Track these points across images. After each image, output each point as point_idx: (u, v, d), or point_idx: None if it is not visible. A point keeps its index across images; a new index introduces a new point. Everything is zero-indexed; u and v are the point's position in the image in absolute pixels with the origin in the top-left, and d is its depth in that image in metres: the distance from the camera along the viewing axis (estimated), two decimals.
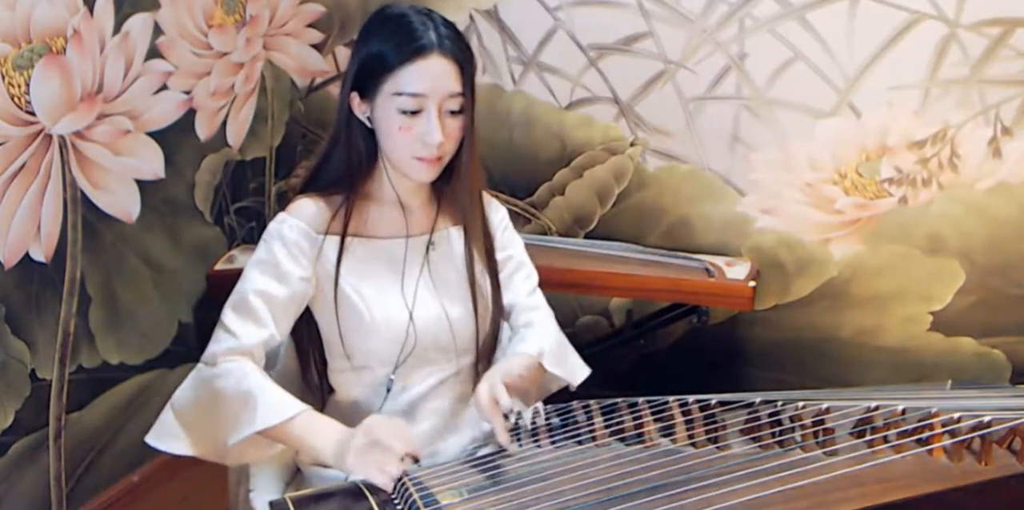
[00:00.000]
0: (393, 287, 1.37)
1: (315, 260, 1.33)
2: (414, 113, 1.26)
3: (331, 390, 1.45)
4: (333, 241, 1.34)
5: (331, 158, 1.36)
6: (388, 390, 1.39)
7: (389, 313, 1.36)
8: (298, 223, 1.32)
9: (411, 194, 1.39)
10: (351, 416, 1.39)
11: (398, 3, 1.33)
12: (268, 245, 1.32)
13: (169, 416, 1.29)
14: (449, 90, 1.26)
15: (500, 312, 1.45)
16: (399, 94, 1.25)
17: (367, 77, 1.28)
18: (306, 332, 1.41)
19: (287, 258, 1.31)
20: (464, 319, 1.41)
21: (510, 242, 1.50)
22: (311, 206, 1.34)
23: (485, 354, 1.45)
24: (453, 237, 1.43)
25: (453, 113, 1.28)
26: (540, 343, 1.40)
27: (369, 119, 1.31)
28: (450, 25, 1.29)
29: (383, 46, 1.26)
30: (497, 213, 1.50)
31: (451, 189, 1.39)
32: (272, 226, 1.34)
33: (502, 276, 1.47)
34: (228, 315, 1.30)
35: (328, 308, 1.36)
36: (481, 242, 1.43)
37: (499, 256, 1.47)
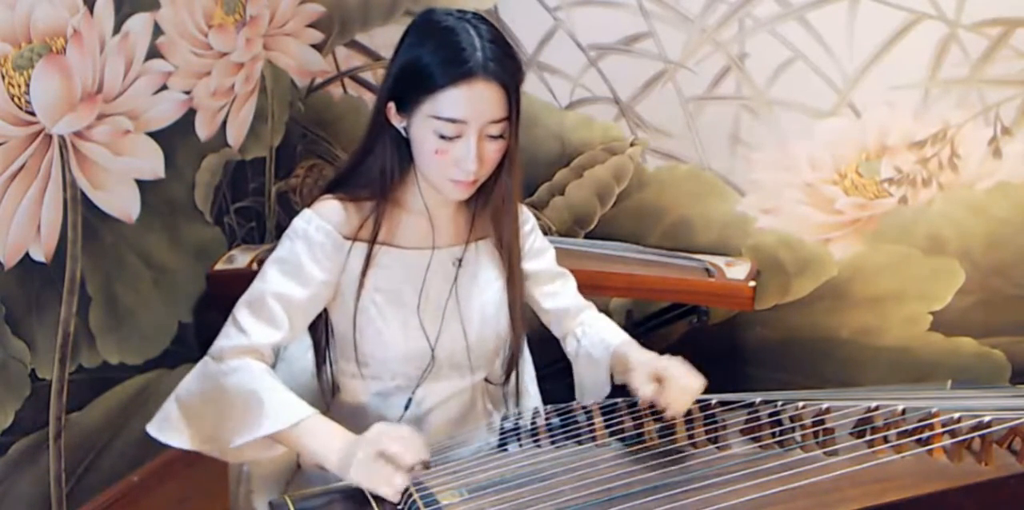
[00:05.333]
0: (413, 301, 1.34)
1: (341, 265, 1.30)
2: (452, 138, 1.20)
3: (337, 390, 1.44)
4: (360, 248, 1.31)
5: (362, 165, 1.32)
6: (406, 408, 1.39)
7: (407, 329, 1.34)
8: (325, 225, 1.28)
9: (441, 205, 1.34)
10: (355, 419, 1.38)
11: (445, 10, 1.25)
12: (292, 244, 1.29)
13: (173, 408, 1.25)
14: (491, 117, 1.19)
15: (522, 329, 1.44)
16: (437, 117, 1.18)
17: (405, 90, 1.22)
18: (324, 332, 1.39)
19: (310, 260, 1.28)
20: (482, 337, 1.40)
21: (543, 251, 1.48)
22: (340, 209, 1.30)
23: (505, 368, 1.45)
24: (481, 251, 1.40)
25: (493, 137, 1.22)
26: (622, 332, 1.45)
27: (405, 130, 1.25)
28: (499, 41, 1.21)
29: (425, 62, 1.19)
30: (526, 223, 1.46)
31: (486, 206, 1.35)
32: (298, 224, 1.30)
33: (545, 287, 1.47)
34: (242, 312, 1.27)
35: (346, 314, 1.34)
36: (513, 261, 1.39)
37: (534, 267, 1.45)
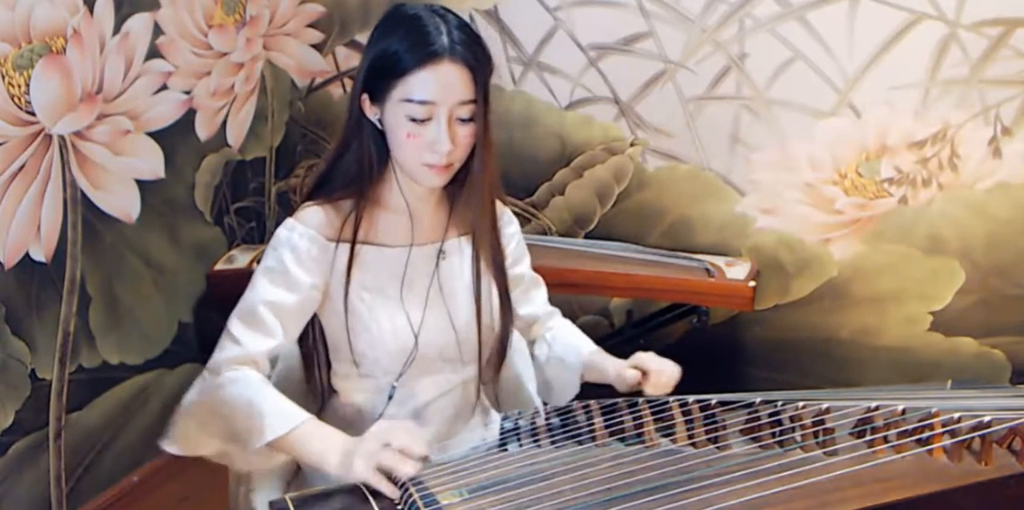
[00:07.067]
0: (397, 296, 1.36)
1: (328, 267, 1.32)
2: (423, 120, 1.23)
3: (332, 392, 1.44)
4: (344, 249, 1.32)
5: (341, 161, 1.34)
6: (390, 397, 1.39)
7: (395, 324, 1.35)
8: (308, 231, 1.30)
9: (421, 200, 1.36)
10: (351, 420, 1.39)
11: (412, 2, 1.30)
12: (277, 253, 1.30)
13: (179, 422, 1.28)
14: (460, 98, 1.23)
15: (509, 324, 1.44)
16: (408, 101, 1.22)
17: (377, 80, 1.25)
18: (311, 335, 1.40)
19: (297, 266, 1.29)
20: (470, 330, 1.40)
21: (522, 256, 1.50)
22: (320, 214, 1.32)
23: (490, 364, 1.45)
24: (463, 246, 1.41)
25: (464, 120, 1.25)
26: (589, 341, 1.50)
27: (380, 121, 1.28)
28: (465, 28, 1.25)
29: (393, 49, 1.23)
30: (510, 226, 1.48)
31: (463, 196, 1.37)
32: (282, 233, 1.32)
33: (519, 292, 1.48)
34: (235, 324, 1.28)
35: (337, 315, 1.35)
36: (489, 252, 1.40)
37: (513, 272, 1.46)
